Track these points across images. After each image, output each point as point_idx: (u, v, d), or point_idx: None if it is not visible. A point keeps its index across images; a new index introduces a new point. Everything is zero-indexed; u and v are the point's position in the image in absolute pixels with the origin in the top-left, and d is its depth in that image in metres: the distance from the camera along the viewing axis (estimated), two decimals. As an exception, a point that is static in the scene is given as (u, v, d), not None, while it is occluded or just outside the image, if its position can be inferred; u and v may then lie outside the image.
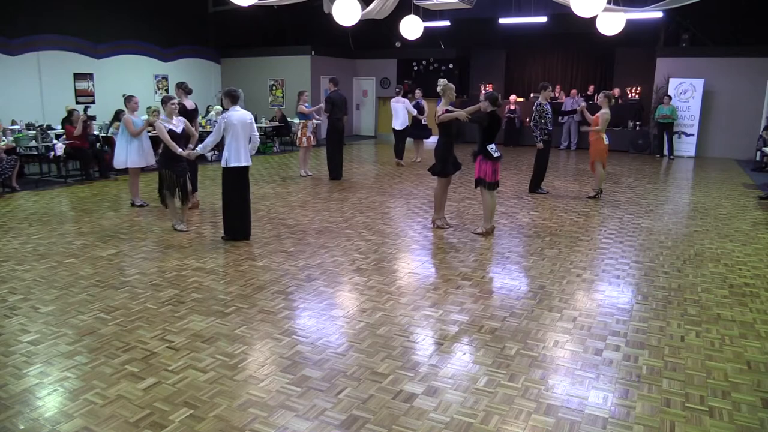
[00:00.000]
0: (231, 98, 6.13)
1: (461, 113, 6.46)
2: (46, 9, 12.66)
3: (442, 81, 6.71)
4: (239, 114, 6.10)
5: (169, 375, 3.41)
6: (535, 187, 9.34)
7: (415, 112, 12.17)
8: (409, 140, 12.77)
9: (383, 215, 7.71)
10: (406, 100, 12.36)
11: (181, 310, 4.40)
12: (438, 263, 5.74)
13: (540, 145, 8.88)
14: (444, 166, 6.69)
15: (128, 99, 8.05)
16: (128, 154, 7.98)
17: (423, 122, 12.38)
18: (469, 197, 8.90)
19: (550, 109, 8.83)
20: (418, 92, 12.45)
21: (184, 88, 7.76)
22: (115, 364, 3.54)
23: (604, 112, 8.57)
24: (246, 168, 6.26)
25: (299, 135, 10.73)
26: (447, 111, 6.50)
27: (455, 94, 6.80)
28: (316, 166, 12.01)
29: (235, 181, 6.21)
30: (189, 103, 7.73)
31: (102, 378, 3.37)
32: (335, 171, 10.53)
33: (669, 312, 4.45)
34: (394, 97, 12.67)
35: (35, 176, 10.34)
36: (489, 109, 6.41)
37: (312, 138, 10.82)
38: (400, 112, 12.21)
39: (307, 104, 10.79)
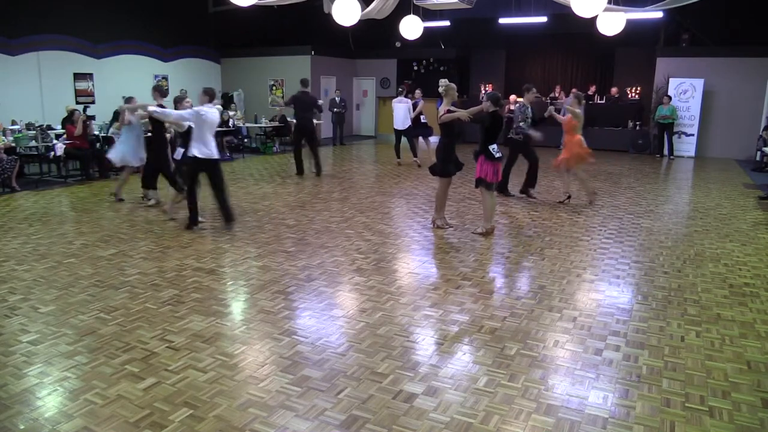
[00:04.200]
0: (208, 96, 6.47)
1: (463, 113, 6.45)
2: (46, 9, 12.66)
3: (443, 81, 6.70)
4: (213, 111, 6.52)
5: (169, 375, 3.41)
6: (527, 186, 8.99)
7: (412, 114, 12.12)
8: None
9: (383, 215, 7.72)
10: (408, 100, 12.33)
11: (181, 310, 4.40)
12: (438, 263, 5.74)
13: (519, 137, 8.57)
14: (445, 167, 6.68)
15: (129, 100, 8.06)
16: (135, 150, 8.09)
17: (422, 120, 12.36)
18: (469, 197, 8.89)
19: (531, 113, 8.54)
20: (417, 92, 12.45)
21: (159, 91, 7.80)
22: (115, 364, 3.54)
23: (579, 112, 8.16)
24: (210, 161, 6.51)
25: None
26: (449, 111, 6.50)
27: (457, 94, 6.80)
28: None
29: (199, 170, 6.57)
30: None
31: (102, 378, 3.37)
32: (299, 168, 11.06)
33: (669, 312, 4.45)
34: (395, 97, 12.72)
35: (35, 176, 10.34)
36: (491, 109, 6.41)
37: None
38: (401, 111, 12.22)
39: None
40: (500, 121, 6.62)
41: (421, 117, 12.29)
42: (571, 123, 8.22)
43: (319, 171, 10.95)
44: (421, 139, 12.63)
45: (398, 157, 12.58)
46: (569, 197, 8.65)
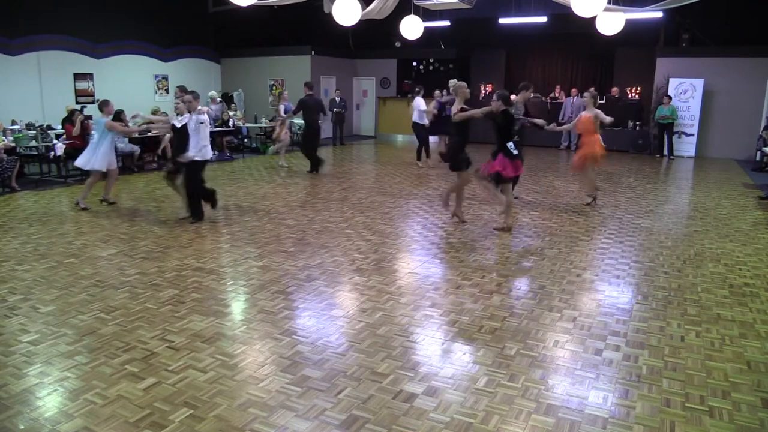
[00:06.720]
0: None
1: (476, 111, 6.66)
2: (46, 9, 12.65)
3: (453, 81, 6.90)
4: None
5: (169, 375, 3.41)
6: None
7: (424, 108, 11.92)
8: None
9: (383, 215, 7.72)
10: (421, 100, 12.13)
11: (181, 310, 4.40)
12: (438, 263, 5.74)
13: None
14: (456, 164, 6.96)
15: (106, 103, 7.87)
16: (103, 155, 7.87)
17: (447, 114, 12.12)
18: (470, 197, 8.88)
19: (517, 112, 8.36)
20: (444, 92, 12.29)
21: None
22: (115, 364, 3.54)
23: (597, 113, 7.98)
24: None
25: (278, 131, 11.92)
26: (462, 110, 6.66)
27: (468, 91, 7.04)
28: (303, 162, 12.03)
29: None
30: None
31: (102, 378, 3.37)
32: (312, 165, 11.37)
33: (669, 312, 4.45)
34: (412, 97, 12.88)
35: (35, 176, 10.34)
36: (501, 108, 6.50)
37: (288, 134, 12.08)
38: (414, 111, 12.13)
39: (286, 103, 11.75)
40: (512, 119, 6.76)
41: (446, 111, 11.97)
42: (589, 123, 8.02)
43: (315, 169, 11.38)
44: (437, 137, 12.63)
45: (418, 159, 12.21)
46: (594, 199, 8.49)
